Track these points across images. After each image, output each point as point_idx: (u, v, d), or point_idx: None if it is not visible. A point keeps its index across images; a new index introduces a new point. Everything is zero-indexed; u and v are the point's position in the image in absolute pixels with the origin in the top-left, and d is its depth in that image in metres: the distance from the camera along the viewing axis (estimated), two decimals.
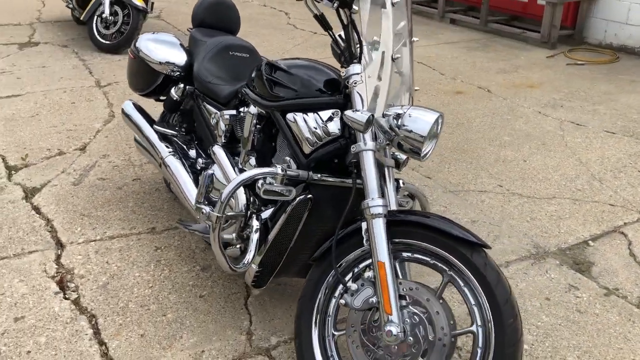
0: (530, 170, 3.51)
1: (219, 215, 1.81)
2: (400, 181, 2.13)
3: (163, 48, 2.73)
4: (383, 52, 1.83)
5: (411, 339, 1.70)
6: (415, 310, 1.72)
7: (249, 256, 1.98)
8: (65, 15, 6.83)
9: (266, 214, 2.02)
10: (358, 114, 1.73)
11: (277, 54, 5.81)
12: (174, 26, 6.91)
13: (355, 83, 1.85)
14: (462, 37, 6.67)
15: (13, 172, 3.37)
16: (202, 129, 2.64)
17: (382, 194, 1.96)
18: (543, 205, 3.12)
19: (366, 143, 1.80)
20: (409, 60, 2.08)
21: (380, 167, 1.96)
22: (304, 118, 1.95)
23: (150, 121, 2.80)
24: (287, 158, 2.03)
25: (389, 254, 1.72)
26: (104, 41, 5.76)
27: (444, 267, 1.76)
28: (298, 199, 1.91)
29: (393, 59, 1.83)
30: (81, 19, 5.93)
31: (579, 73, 5.39)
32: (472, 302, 1.71)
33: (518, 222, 2.96)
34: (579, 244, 2.81)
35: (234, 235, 2.03)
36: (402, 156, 2.10)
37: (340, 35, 1.97)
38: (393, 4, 1.87)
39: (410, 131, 1.82)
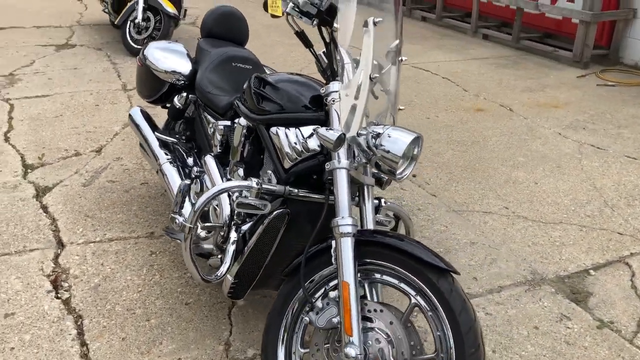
0: (540, 193, 3.43)
1: (190, 226, 1.84)
2: (382, 200, 2.11)
3: (169, 57, 2.78)
4: (362, 71, 1.83)
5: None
6: (378, 333, 1.70)
7: (224, 268, 1.99)
8: (104, 18, 7.03)
9: (246, 226, 2.04)
10: (329, 132, 1.73)
11: (299, 65, 5.85)
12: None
13: (333, 101, 1.85)
14: (493, 53, 6.58)
15: (29, 170, 3.48)
16: (201, 138, 2.68)
17: (360, 213, 1.96)
18: (548, 230, 3.05)
19: (340, 161, 1.80)
20: (396, 80, 2.08)
21: (359, 185, 1.96)
22: (285, 133, 1.96)
23: (154, 128, 2.86)
24: (269, 172, 2.04)
25: (355, 274, 1.71)
26: (135, 46, 5.90)
27: (411, 291, 1.74)
28: (275, 212, 1.92)
29: (371, 79, 1.83)
30: (115, 23, 6.10)
31: (608, 94, 5.24)
32: (436, 328, 1.68)
33: (519, 246, 2.90)
34: (579, 272, 2.73)
35: (212, 245, 2.06)
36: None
37: (323, 53, 1.97)
38: (375, 24, 1.86)
39: (387, 151, 1.81)
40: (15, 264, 2.60)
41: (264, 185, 1.87)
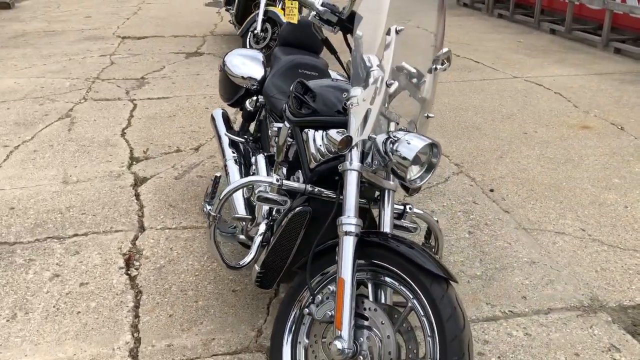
0: (627, 218, 3.18)
1: (214, 214, 2.01)
2: (408, 207, 2.14)
3: (246, 63, 3.00)
4: (379, 77, 1.88)
5: (361, 357, 1.73)
6: (370, 332, 1.74)
7: (248, 257, 2.14)
8: (233, 29, 7.57)
9: (273, 220, 2.17)
10: (336, 134, 1.80)
11: None
12: None
13: (351, 105, 1.92)
14: (620, 68, 6.12)
15: (134, 162, 3.90)
16: (265, 138, 2.86)
17: (379, 216, 2.01)
18: (624, 257, 2.83)
19: (351, 163, 1.86)
20: (431, 88, 2.10)
21: (380, 189, 2.01)
22: (314, 135, 2.07)
23: (228, 128, 3.10)
24: (299, 171, 2.16)
25: (353, 272, 1.76)
26: None
27: (409, 294, 1.76)
28: (297, 209, 2.03)
29: (387, 85, 1.87)
30: (237, 34, 6.56)
31: None
32: (427, 333, 1.69)
33: (584, 270, 2.73)
34: None
35: (242, 236, 2.21)
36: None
37: (349, 60, 2.05)
38: (397, 32, 1.91)
39: (400, 156, 1.85)
40: (100, 242, 2.96)
41: (284, 182, 1.99)
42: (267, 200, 1.99)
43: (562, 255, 2.85)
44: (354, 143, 1.86)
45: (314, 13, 1.91)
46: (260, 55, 3.09)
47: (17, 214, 3.22)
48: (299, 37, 3.09)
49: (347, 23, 1.90)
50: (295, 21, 1.93)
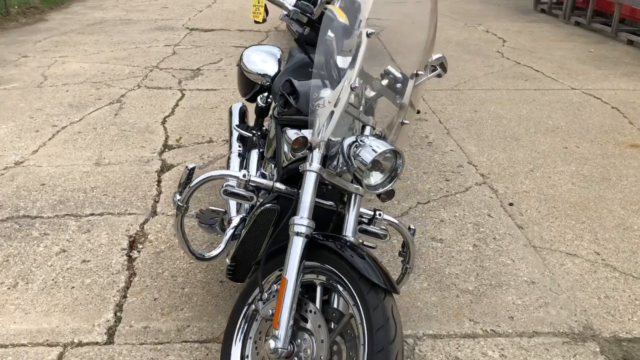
0: None
1: (181, 204, 2.06)
2: (377, 212, 2.10)
3: (261, 60, 3.05)
4: (345, 81, 1.86)
5: (296, 359, 1.73)
6: (307, 334, 1.74)
7: (217, 250, 2.18)
8: None
9: (244, 215, 2.20)
10: (292, 134, 1.81)
11: (460, 80, 5.74)
12: (384, 45, 7.23)
13: (318, 106, 1.92)
14: None
15: (166, 150, 4.05)
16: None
17: (343, 220, 2.00)
18: (634, 286, 2.65)
19: (311, 164, 1.86)
20: (409, 94, 2.06)
21: (347, 193, 2.00)
22: (288, 134, 2.08)
23: (242, 122, 3.15)
24: (276, 168, 2.18)
25: (298, 273, 1.76)
26: None
27: (350, 300, 1.74)
28: (265, 206, 2.05)
29: (352, 88, 1.85)
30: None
31: None
32: (361, 342, 1.67)
33: (586, 296, 2.58)
34: None
35: (217, 228, 2.26)
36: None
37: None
38: (368, 35, 1.88)
39: (360, 161, 1.82)
40: (112, 223, 3.10)
41: (252, 178, 2.01)
42: (232, 194, 2.02)
43: (566, 278, 2.70)
44: (314, 145, 1.86)
45: (284, 12, 1.92)
46: (277, 52, 3.12)
47: (45, 190, 3.43)
48: (316, 35, 3.09)
49: (317, 24, 1.89)
50: (260, 20, 1.94)
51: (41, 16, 8.85)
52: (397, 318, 1.65)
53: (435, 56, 2.20)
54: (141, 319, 2.41)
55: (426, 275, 2.71)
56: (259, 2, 1.92)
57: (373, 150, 1.81)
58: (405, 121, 2.06)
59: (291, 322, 1.73)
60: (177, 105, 4.95)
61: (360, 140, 1.87)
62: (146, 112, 4.75)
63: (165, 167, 3.77)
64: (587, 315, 2.47)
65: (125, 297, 2.54)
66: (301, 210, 1.83)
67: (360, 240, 2.17)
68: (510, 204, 3.36)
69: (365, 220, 2.11)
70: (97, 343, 2.26)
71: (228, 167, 2.85)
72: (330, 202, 2.03)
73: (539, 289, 2.62)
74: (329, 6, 6.11)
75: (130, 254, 2.85)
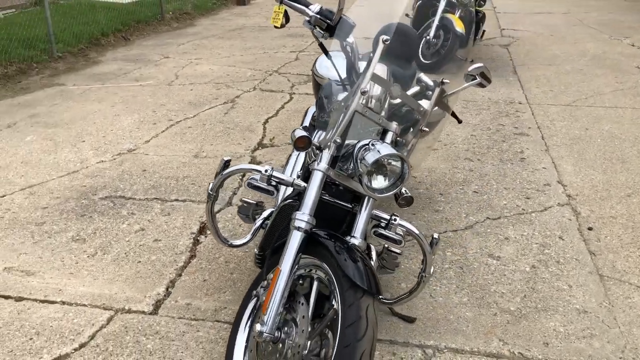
0: None
1: (210, 192, 2.23)
2: (393, 217, 2.11)
3: (329, 65, 3.15)
4: (357, 86, 1.92)
5: (280, 345, 1.81)
6: (292, 324, 1.82)
7: (244, 239, 2.33)
8: None
9: (272, 208, 2.32)
10: (297, 133, 1.90)
11: (581, 96, 5.39)
12: (510, 56, 6.98)
13: (334, 108, 1.99)
14: None
15: (259, 148, 4.31)
16: None
17: (354, 220, 2.05)
18: None
19: (319, 163, 1.94)
20: (430, 104, 2.06)
21: (360, 195, 2.05)
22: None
23: (311, 124, 3.28)
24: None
25: (292, 265, 1.85)
26: (423, 60, 6.33)
27: (337, 297, 1.79)
28: (287, 201, 2.16)
29: (362, 92, 1.90)
30: None
31: None
32: (336, 336, 1.71)
33: None
34: None
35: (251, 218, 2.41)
36: (405, 191, 2.11)
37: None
38: (384, 42, 1.92)
39: (364, 163, 1.87)
40: (190, 209, 3.39)
41: (273, 173, 2.13)
42: (255, 187, 2.16)
43: (627, 312, 2.48)
44: (323, 145, 1.93)
45: (306, 18, 2.01)
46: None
47: (144, 176, 3.83)
48: (395, 45, 3.14)
49: (338, 30, 1.96)
50: (278, 25, 2.04)
51: (191, 21, 9.71)
52: (371, 318, 1.68)
53: (474, 66, 2.17)
54: (187, 296, 2.63)
55: (469, 290, 2.63)
56: (279, 9, 2.03)
57: (377, 152, 1.84)
58: (424, 128, 2.06)
59: (280, 310, 1.82)
60: (282, 107, 5.21)
61: (372, 144, 1.92)
62: (253, 113, 5.07)
63: (252, 164, 4.01)
64: (637, 353, 2.25)
65: (180, 275, 2.78)
66: (304, 206, 1.91)
67: (386, 245, 2.20)
68: (590, 229, 3.13)
69: (383, 224, 2.13)
70: (143, 312, 2.52)
71: (286, 165, 2.99)
72: (345, 203, 2.08)
73: (590, 319, 2.44)
74: (448, 15, 5.99)
75: (198, 238, 3.11)
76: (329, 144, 1.95)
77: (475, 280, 2.70)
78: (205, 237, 3.12)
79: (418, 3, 6.61)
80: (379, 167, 1.88)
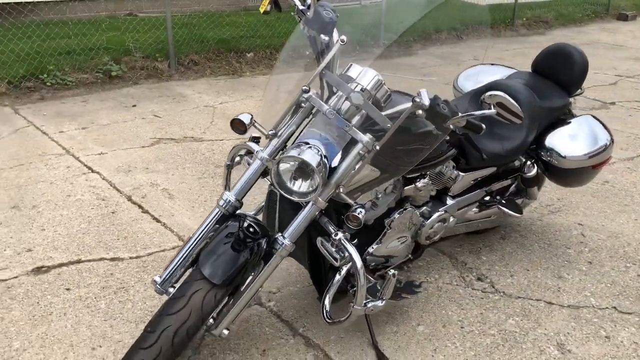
0: None
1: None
2: (340, 234, 1.99)
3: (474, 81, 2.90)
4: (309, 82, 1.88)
5: None
6: None
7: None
8: None
9: None
10: (241, 115, 2.02)
11: None
12: None
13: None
14: None
15: None
16: None
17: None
18: None
19: (262, 151, 2.04)
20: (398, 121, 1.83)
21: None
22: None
23: None
24: None
25: (199, 234, 2.03)
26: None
27: None
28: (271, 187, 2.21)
29: (302, 90, 1.87)
30: None
31: None
32: None
33: None
34: None
35: None
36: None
37: None
38: (342, 41, 1.78)
39: (283, 152, 1.91)
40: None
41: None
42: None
43: None
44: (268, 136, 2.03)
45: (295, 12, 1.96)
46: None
47: None
48: (548, 65, 2.68)
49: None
50: (261, 11, 1.91)
51: (542, 30, 9.16)
52: (193, 301, 1.79)
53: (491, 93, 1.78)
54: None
55: None
56: None
57: (296, 153, 1.82)
58: (377, 146, 1.86)
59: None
60: None
61: (308, 146, 1.85)
62: None
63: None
64: None
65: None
66: (233, 187, 2.03)
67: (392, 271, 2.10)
68: None
69: (330, 235, 2.01)
70: None
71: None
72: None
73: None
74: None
75: None
76: (269, 133, 1.97)
77: None
78: None
79: None
80: (302, 171, 1.83)
